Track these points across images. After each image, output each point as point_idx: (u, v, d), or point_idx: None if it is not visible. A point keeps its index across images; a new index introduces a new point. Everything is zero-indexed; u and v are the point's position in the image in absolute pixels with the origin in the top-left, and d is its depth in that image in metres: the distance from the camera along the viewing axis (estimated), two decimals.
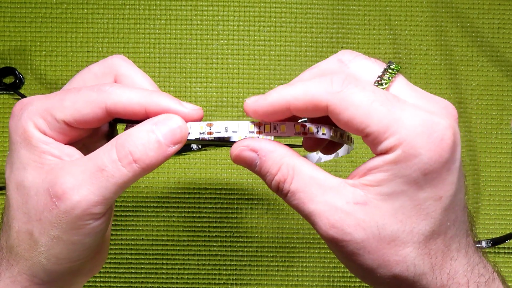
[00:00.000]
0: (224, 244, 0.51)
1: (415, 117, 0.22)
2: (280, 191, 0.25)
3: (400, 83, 0.25)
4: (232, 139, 0.27)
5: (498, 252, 0.51)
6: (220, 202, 0.51)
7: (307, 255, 0.51)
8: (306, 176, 0.24)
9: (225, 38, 0.51)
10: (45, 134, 0.25)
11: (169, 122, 0.25)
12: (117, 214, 0.50)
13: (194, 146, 0.50)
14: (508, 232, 0.51)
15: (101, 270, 0.50)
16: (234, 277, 0.51)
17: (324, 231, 0.24)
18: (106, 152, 0.24)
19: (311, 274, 0.51)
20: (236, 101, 0.51)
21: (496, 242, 0.50)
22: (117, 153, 0.24)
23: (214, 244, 0.51)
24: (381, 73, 0.25)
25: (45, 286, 0.26)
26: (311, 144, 0.30)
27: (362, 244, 0.23)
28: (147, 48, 0.51)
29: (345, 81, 0.23)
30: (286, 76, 0.51)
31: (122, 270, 0.50)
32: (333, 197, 0.24)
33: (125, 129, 0.26)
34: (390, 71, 0.25)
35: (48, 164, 0.25)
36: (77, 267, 0.27)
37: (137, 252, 0.50)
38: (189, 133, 0.26)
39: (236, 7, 0.51)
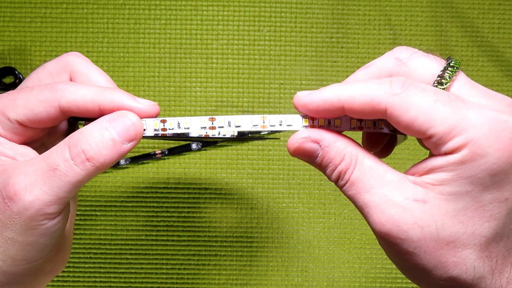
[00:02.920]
0: (224, 244, 0.51)
1: (482, 116, 0.22)
2: (340, 180, 0.25)
3: (461, 81, 0.24)
4: (191, 135, 0.26)
5: None
6: (220, 202, 0.51)
7: (307, 255, 0.51)
8: (367, 167, 0.24)
9: (225, 38, 0.51)
10: None
11: (123, 119, 0.25)
12: (117, 214, 0.50)
13: (194, 146, 0.50)
14: None
15: (101, 270, 0.50)
16: (234, 277, 0.51)
17: (378, 225, 0.23)
18: (59, 151, 0.24)
19: (311, 274, 0.51)
20: (236, 101, 0.51)
21: None
22: (69, 151, 0.24)
23: (214, 244, 0.51)
24: (441, 72, 0.24)
25: None
26: (371, 144, 0.29)
27: (418, 243, 0.22)
28: (147, 48, 0.51)
29: (405, 83, 0.23)
30: (286, 76, 0.51)
31: (122, 270, 0.50)
32: (392, 190, 0.23)
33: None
34: (450, 68, 0.24)
35: (1, 165, 0.24)
36: (37, 268, 0.26)
37: (137, 252, 0.50)
38: (144, 129, 0.26)
39: (236, 7, 0.51)
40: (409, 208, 0.23)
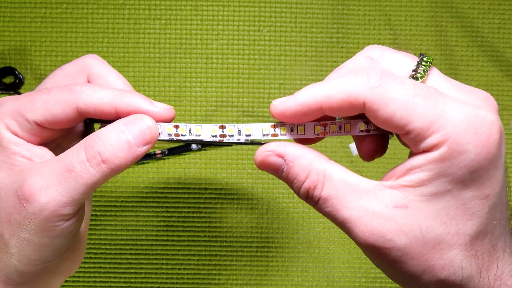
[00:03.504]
0: (224, 244, 0.51)
1: (460, 112, 0.21)
2: (310, 198, 0.24)
3: (436, 76, 0.24)
4: (205, 140, 0.26)
5: None
6: (220, 202, 0.51)
7: (307, 255, 0.51)
8: (338, 181, 0.23)
9: (225, 38, 0.51)
10: (16, 135, 0.25)
11: (139, 122, 0.25)
12: (117, 214, 0.50)
13: (194, 146, 0.50)
14: None
15: (101, 270, 0.50)
16: (234, 277, 0.51)
17: (362, 239, 0.22)
18: (75, 153, 0.24)
19: (311, 274, 0.51)
20: (236, 101, 0.51)
21: None
22: (85, 153, 0.24)
23: (214, 244, 0.51)
24: (415, 67, 0.23)
25: (19, 287, 0.26)
26: (371, 150, 0.27)
27: (404, 250, 0.22)
28: (147, 48, 0.51)
29: (382, 75, 0.22)
30: (286, 76, 0.51)
31: (122, 270, 0.50)
32: (370, 201, 0.23)
33: (100, 128, 0.26)
34: (424, 63, 0.23)
35: (18, 166, 0.25)
36: (51, 267, 0.26)
37: (137, 252, 0.50)
38: (159, 133, 0.26)
39: (236, 7, 0.51)
40: (391, 216, 0.22)
